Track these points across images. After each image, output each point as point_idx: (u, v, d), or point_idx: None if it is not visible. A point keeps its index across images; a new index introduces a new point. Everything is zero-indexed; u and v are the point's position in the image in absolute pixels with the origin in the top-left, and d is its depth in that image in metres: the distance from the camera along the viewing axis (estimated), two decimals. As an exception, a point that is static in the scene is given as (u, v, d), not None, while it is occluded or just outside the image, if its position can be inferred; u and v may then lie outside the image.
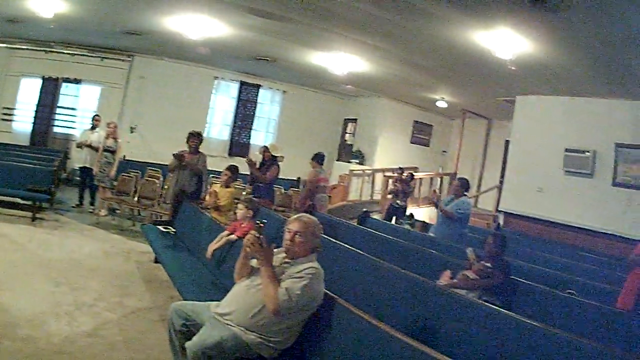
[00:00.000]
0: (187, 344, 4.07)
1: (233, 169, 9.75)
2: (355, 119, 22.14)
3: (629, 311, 5.81)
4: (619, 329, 5.43)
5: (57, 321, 5.95)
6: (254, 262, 4.47)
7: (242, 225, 6.84)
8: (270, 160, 11.33)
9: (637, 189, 12.21)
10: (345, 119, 22.71)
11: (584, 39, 9.39)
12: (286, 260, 4.39)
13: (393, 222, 13.80)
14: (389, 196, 14.89)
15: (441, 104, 18.44)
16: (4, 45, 17.76)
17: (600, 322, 5.57)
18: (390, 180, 15.66)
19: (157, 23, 13.60)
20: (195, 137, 10.72)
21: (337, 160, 21.98)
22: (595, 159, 12.96)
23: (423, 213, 16.21)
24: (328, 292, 4.34)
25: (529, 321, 4.47)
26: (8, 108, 18.43)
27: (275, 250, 4.45)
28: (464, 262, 6.77)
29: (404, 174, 14.59)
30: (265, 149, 11.58)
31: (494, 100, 16.22)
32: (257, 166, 11.42)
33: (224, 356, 4.01)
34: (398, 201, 13.96)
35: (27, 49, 18.01)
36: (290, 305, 4.01)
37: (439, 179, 19.18)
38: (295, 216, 4.58)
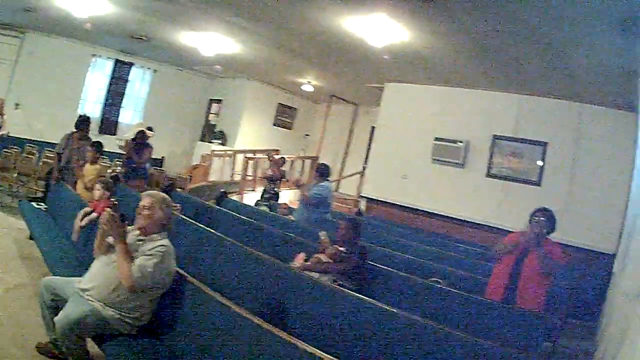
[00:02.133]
0: (55, 319, 4.13)
1: (97, 146, 9.53)
2: (221, 100, 21.86)
3: (497, 301, 5.74)
4: (486, 318, 5.43)
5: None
6: (110, 239, 4.49)
7: (100, 204, 6.76)
8: (143, 140, 11.17)
9: (513, 180, 12.14)
10: (211, 100, 22.36)
11: (466, 30, 9.10)
12: (140, 237, 4.50)
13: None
14: (264, 181, 14.35)
15: (307, 88, 18.28)
16: None
17: (466, 311, 5.57)
18: (266, 166, 15.03)
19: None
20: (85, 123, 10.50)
21: (201, 141, 21.71)
22: (468, 149, 12.77)
23: (283, 196, 15.50)
24: (180, 270, 4.52)
25: (381, 305, 4.55)
26: None
27: (130, 228, 4.59)
28: (318, 245, 6.67)
29: (277, 158, 13.96)
30: (141, 131, 11.26)
31: (362, 86, 16.09)
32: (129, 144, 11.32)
33: (87, 331, 4.11)
34: (275, 188, 13.26)
35: None
36: (143, 281, 4.14)
37: (301, 162, 18.77)
38: (146, 192, 4.72)
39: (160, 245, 4.34)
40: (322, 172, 9.87)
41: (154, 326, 4.35)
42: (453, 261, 8.35)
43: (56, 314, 4.18)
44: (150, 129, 11.42)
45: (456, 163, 12.78)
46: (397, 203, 13.76)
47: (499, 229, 10.95)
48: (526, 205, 6.31)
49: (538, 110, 11.93)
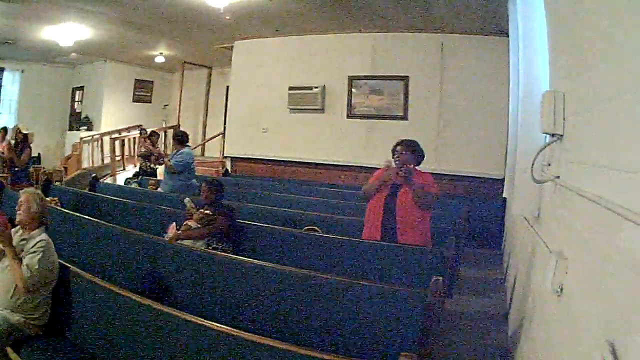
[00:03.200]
0: None
1: None
2: (82, 87, 21.29)
3: (377, 240, 5.60)
4: (372, 259, 5.38)
5: None
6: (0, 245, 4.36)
7: None
8: (22, 142, 10.67)
9: (377, 118, 12.14)
10: (73, 88, 21.74)
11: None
12: (23, 237, 4.44)
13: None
14: (138, 159, 14.22)
15: (159, 59, 18.35)
16: None
17: (350, 255, 5.54)
18: (140, 144, 14.86)
19: None
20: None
21: (69, 130, 21.26)
22: (325, 94, 12.76)
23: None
24: (62, 262, 4.40)
25: (260, 263, 4.54)
26: None
27: (13, 230, 4.54)
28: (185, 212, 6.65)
29: (151, 137, 13.45)
30: (17, 130, 10.82)
31: (212, 48, 15.97)
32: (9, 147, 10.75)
33: (3, 340, 4.01)
34: (151, 165, 12.79)
35: None
36: (34, 280, 4.10)
37: (163, 133, 18.34)
38: (22, 190, 4.69)
39: (40, 241, 4.29)
40: (180, 139, 9.76)
41: (56, 323, 4.27)
42: (326, 207, 8.43)
43: None
44: (18, 129, 10.87)
45: (315, 109, 12.77)
46: (261, 158, 13.86)
47: (370, 167, 10.71)
48: (396, 141, 6.02)
49: (395, 46, 11.92)
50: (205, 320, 3.09)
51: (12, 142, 10.73)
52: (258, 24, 12.54)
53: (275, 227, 6.46)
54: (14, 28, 14.08)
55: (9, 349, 4.09)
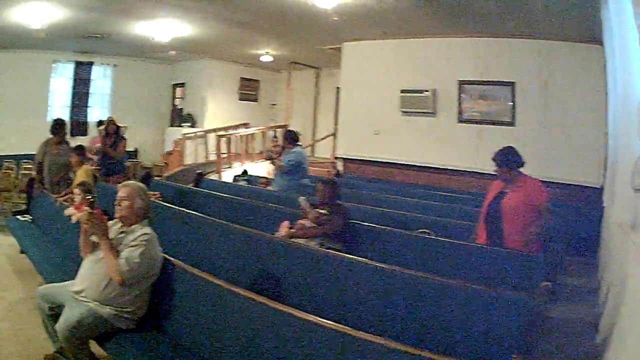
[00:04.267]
0: (56, 326, 4.11)
1: (79, 150, 9.26)
2: (184, 83, 21.68)
3: (485, 244, 5.75)
4: (482, 263, 5.36)
5: None
6: (94, 237, 4.42)
7: (80, 206, 6.53)
8: (115, 134, 10.75)
9: (486, 123, 12.16)
10: (174, 84, 22.13)
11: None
12: (122, 230, 4.48)
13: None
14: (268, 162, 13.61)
15: (266, 59, 18.35)
16: None
17: (460, 258, 5.54)
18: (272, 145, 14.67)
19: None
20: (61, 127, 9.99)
21: (171, 126, 21.61)
22: (436, 97, 12.76)
23: (259, 168, 15.48)
24: (167, 256, 4.47)
25: (373, 263, 4.56)
26: None
27: (110, 222, 4.57)
28: (300, 211, 6.66)
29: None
30: (109, 121, 10.89)
31: (320, 49, 15.91)
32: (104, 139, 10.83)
33: (88, 333, 4.06)
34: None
35: None
36: (132, 273, 4.12)
37: (273, 132, 18.39)
38: (122, 184, 4.69)
39: (143, 234, 4.31)
40: (291, 138, 9.91)
41: (152, 317, 4.32)
42: (437, 210, 8.30)
43: (56, 322, 4.13)
44: (110, 121, 11.01)
45: (426, 112, 12.76)
46: (373, 159, 13.82)
47: (478, 172, 11.04)
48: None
49: (502, 52, 11.86)
50: (319, 318, 3.14)
51: (103, 132, 10.82)
52: (365, 25, 12.53)
53: (388, 228, 6.43)
54: (103, 22, 14.10)
55: (92, 342, 4.18)
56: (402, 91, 13.05)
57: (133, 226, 4.43)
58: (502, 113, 11.82)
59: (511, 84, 11.59)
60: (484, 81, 12.02)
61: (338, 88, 16.46)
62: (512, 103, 11.62)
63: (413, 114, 13.01)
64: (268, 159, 10.71)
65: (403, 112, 13.19)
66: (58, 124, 9.90)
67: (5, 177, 13.06)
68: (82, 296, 4.21)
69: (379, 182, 12.56)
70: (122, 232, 4.43)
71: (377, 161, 13.73)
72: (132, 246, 4.20)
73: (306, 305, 4.22)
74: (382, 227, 6.52)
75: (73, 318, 3.96)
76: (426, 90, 12.61)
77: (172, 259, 4.44)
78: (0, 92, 17.46)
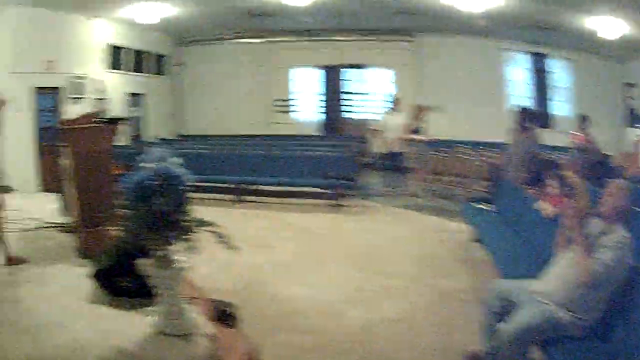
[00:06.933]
0: (500, 326, 4.12)
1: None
2: (634, 83, 19.14)
3: None
4: None
5: (355, 309, 5.94)
6: (569, 232, 4.29)
7: (556, 198, 6.58)
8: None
9: None
10: (623, 83, 19.57)
11: None
12: (602, 230, 4.17)
13: None
14: None
15: None
16: (260, 40, 19.09)
17: None
18: None
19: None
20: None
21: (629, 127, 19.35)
22: None
23: None
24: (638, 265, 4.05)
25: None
26: (282, 100, 19.65)
27: (594, 221, 4.35)
28: None
29: None
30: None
31: None
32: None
33: (535, 336, 3.99)
34: None
35: (288, 40, 19.09)
36: (601, 277, 3.90)
37: None
38: (611, 180, 4.53)
39: (622, 237, 4.01)
40: None
41: (598, 326, 4.06)
42: None
43: (500, 321, 4.20)
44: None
45: None
46: None
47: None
48: None
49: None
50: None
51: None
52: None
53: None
54: (553, 13, 13.80)
55: (535, 347, 4.06)
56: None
57: (613, 226, 4.14)
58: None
59: None
60: None
61: None
62: None
63: None
64: None
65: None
66: (533, 114, 10.13)
67: (459, 163, 13.43)
68: (542, 296, 4.17)
69: None
70: (601, 232, 4.18)
71: None
72: (605, 247, 3.99)
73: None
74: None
75: (526, 320, 3.96)
76: None
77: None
78: (438, 78, 18.24)
